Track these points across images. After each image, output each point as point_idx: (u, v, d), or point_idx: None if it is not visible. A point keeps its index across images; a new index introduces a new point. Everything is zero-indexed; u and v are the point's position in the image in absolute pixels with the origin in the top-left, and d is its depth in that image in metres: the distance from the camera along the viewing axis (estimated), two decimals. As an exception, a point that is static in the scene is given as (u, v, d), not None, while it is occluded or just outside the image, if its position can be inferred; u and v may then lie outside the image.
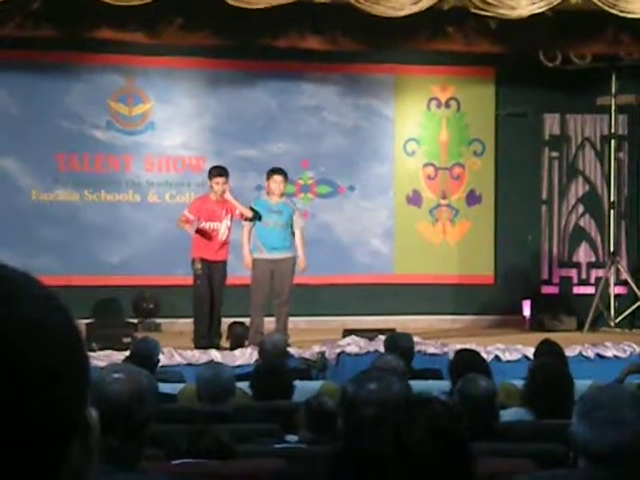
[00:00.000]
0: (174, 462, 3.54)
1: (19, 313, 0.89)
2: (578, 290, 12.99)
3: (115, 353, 8.36)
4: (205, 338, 9.57)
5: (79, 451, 0.91)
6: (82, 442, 0.91)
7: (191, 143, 12.37)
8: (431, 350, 8.91)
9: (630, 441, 2.47)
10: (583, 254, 13.13)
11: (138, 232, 12.14)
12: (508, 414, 4.79)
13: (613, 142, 12.87)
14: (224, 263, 9.75)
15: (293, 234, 9.86)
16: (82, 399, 0.92)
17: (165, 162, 12.31)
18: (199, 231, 9.64)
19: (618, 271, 12.52)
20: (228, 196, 9.73)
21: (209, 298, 9.63)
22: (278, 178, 9.82)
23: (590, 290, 12.71)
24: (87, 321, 9.79)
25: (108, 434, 2.53)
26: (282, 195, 9.89)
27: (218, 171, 9.88)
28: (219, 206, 9.73)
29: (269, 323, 9.74)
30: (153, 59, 12.06)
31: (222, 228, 9.71)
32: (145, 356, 6.33)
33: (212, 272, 9.67)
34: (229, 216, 9.74)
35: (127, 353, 7.27)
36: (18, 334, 0.87)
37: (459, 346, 8.52)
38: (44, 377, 0.87)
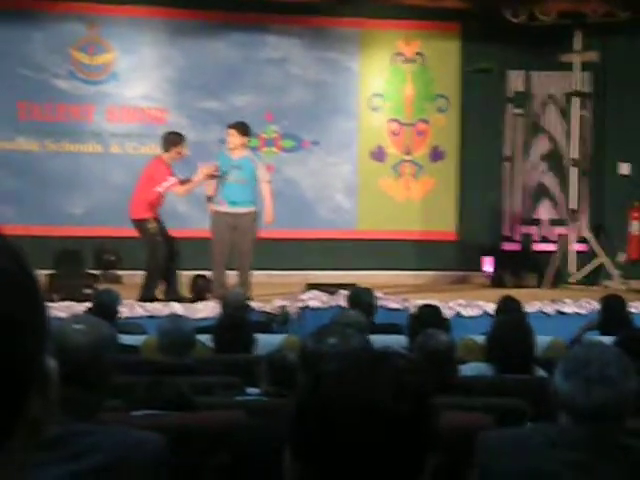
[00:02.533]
0: (134, 413, 3.54)
1: None
2: (539, 247, 13.08)
3: (76, 304, 8.33)
4: (154, 291, 9.54)
5: (38, 401, 0.89)
6: (41, 392, 0.90)
7: (153, 94, 12.26)
8: (393, 305, 8.94)
9: (616, 399, 2.50)
10: (545, 211, 13.20)
11: (100, 183, 12.06)
12: (468, 369, 4.83)
13: (577, 99, 12.89)
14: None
15: (255, 188, 9.80)
16: (40, 348, 0.90)
17: (127, 113, 12.20)
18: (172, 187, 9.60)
19: (579, 229, 12.61)
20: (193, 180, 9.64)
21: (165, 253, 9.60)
22: (230, 131, 9.73)
23: (551, 247, 12.80)
24: (48, 272, 9.73)
25: (68, 385, 2.51)
26: (242, 149, 9.78)
27: (183, 138, 9.77)
28: (170, 171, 9.66)
29: (231, 277, 9.73)
30: (116, 8, 11.92)
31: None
32: (106, 307, 6.31)
33: (163, 226, 9.62)
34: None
35: (88, 304, 7.25)
36: None
37: (421, 302, 8.56)
38: (9, 324, 0.85)
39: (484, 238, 12.84)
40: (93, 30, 12.07)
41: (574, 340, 6.37)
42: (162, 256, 9.56)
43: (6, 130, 11.83)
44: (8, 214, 11.11)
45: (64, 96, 11.99)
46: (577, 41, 12.46)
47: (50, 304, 7.66)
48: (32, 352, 0.88)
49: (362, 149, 12.84)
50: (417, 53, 12.93)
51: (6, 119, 11.78)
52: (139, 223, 9.62)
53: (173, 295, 9.52)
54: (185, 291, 9.74)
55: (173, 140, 9.78)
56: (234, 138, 9.71)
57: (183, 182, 9.71)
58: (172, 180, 9.64)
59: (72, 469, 2.47)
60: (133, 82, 12.20)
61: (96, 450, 2.53)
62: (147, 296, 9.44)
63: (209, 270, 9.75)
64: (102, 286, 8.95)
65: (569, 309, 9.32)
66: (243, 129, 9.77)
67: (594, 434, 2.53)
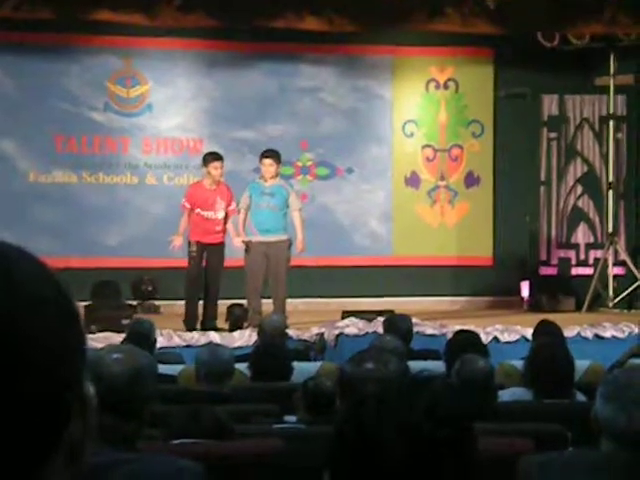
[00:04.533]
0: (173, 442, 3.54)
1: (16, 289, 0.88)
2: (576, 271, 12.99)
3: (114, 335, 8.36)
4: (195, 320, 9.60)
5: (77, 427, 0.91)
6: (80, 417, 0.91)
7: (188, 125, 12.34)
8: (429, 331, 8.92)
9: None
10: (581, 235, 13.13)
11: (136, 214, 12.13)
12: (507, 394, 4.80)
13: (611, 123, 12.84)
14: (221, 246, 9.76)
15: (287, 216, 9.85)
16: (79, 376, 0.91)
17: (163, 144, 12.29)
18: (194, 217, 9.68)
19: (616, 252, 12.52)
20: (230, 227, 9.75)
21: (201, 281, 9.65)
22: (267, 161, 9.81)
23: (588, 271, 12.71)
24: (86, 303, 9.78)
25: (107, 414, 2.53)
26: (275, 177, 9.86)
27: (215, 156, 9.87)
28: (213, 194, 9.72)
29: (267, 305, 9.75)
30: (151, 40, 12.03)
31: (218, 216, 9.72)
32: (142, 337, 6.33)
33: (209, 254, 9.68)
34: (223, 204, 9.73)
35: (125, 335, 7.28)
36: (15, 310, 0.86)
37: (458, 327, 8.52)
38: (41, 354, 0.87)
39: (521, 263, 12.77)
40: (128, 63, 12.19)
41: (615, 365, 6.31)
42: (191, 281, 9.62)
43: (44, 163, 11.95)
44: (46, 246, 11.19)
45: (100, 128, 12.10)
46: (611, 64, 12.42)
47: (88, 335, 7.70)
48: (73, 377, 0.90)
49: (396, 175, 12.84)
50: (450, 79, 12.94)
51: (44, 152, 11.91)
52: (187, 245, 9.73)
53: (208, 325, 9.56)
54: (221, 320, 9.76)
55: (204, 159, 9.91)
56: (272, 167, 9.78)
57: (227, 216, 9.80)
58: (184, 202, 9.74)
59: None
60: (168, 113, 12.29)
61: (135, 479, 2.54)
62: (186, 325, 9.50)
63: (245, 299, 9.79)
64: (139, 316, 8.99)
65: (608, 333, 9.25)
66: (278, 157, 9.87)
67: (634, 459, 2.50)
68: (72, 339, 0.91)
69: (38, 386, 0.86)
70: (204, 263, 9.71)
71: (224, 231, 9.77)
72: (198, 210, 9.68)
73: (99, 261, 11.73)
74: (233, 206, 9.77)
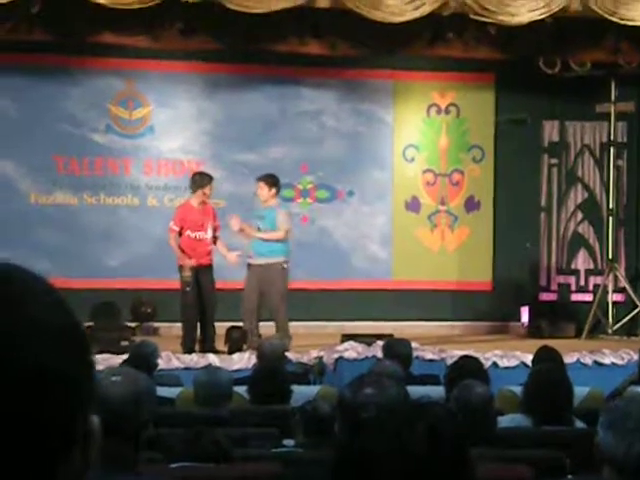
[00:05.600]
0: (172, 465, 3.54)
1: (29, 314, 0.87)
2: (576, 297, 12.99)
3: (113, 357, 8.35)
4: (194, 343, 9.60)
5: (80, 456, 0.90)
6: (83, 448, 0.90)
7: (190, 147, 12.37)
8: (429, 356, 8.91)
9: None
10: (581, 261, 13.13)
11: (137, 235, 12.14)
12: (506, 420, 4.79)
13: (612, 149, 12.87)
14: (211, 267, 9.81)
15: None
16: (87, 405, 0.90)
17: (164, 166, 12.31)
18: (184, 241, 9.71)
19: (616, 278, 12.52)
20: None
21: (198, 303, 9.67)
22: (258, 184, 9.94)
23: (588, 297, 12.71)
24: (85, 324, 9.77)
25: (106, 437, 2.52)
26: (268, 200, 9.91)
27: (210, 177, 9.95)
28: (202, 215, 9.78)
29: (268, 328, 9.75)
30: (153, 63, 12.06)
31: (208, 236, 9.77)
32: (143, 359, 6.32)
33: (200, 277, 9.70)
34: (210, 222, 9.79)
35: (125, 357, 7.27)
36: (26, 335, 0.86)
37: (457, 352, 8.51)
38: (50, 380, 0.86)
39: (521, 288, 12.77)
40: (130, 85, 12.23)
41: (615, 393, 6.30)
42: (189, 307, 9.62)
43: (45, 184, 11.96)
44: (46, 267, 11.18)
45: (101, 150, 12.13)
46: (612, 91, 12.45)
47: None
48: (78, 408, 0.89)
49: (397, 199, 12.85)
50: (451, 104, 12.97)
51: (45, 173, 11.92)
52: (178, 270, 9.74)
53: (207, 347, 9.55)
54: (220, 342, 9.75)
55: (199, 182, 9.89)
56: (262, 190, 9.87)
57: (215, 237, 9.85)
58: (171, 224, 9.76)
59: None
60: (169, 135, 12.32)
61: (134, 502, 2.53)
62: (184, 348, 9.50)
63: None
64: (139, 338, 8.98)
65: (607, 360, 9.24)
66: (271, 181, 9.91)
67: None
68: (80, 367, 0.90)
69: (42, 412, 0.85)
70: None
71: (212, 251, 9.84)
72: (188, 232, 9.71)
73: (99, 282, 11.72)
74: (217, 222, 9.84)
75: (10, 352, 0.85)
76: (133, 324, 11.13)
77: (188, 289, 9.63)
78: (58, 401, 0.87)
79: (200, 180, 9.91)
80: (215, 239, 9.88)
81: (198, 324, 9.75)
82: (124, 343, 9.39)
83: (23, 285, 0.90)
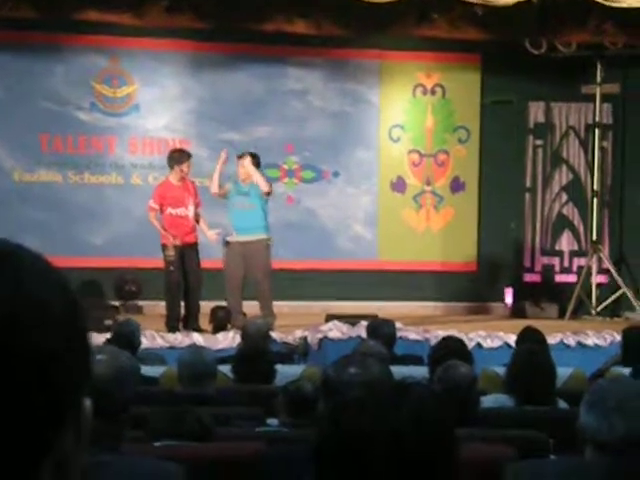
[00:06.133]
0: (155, 444, 3.54)
1: (28, 293, 0.87)
2: (560, 278, 13.03)
3: (96, 335, 8.34)
4: (178, 322, 9.59)
5: (70, 438, 0.89)
6: (74, 430, 0.90)
7: (175, 126, 12.33)
8: (413, 336, 8.93)
9: (637, 431, 2.50)
10: (566, 242, 13.17)
11: (121, 214, 12.11)
12: (489, 400, 4.80)
13: (597, 131, 12.89)
14: (196, 245, 9.78)
15: (265, 214, 9.85)
16: (79, 386, 0.90)
17: (149, 144, 12.27)
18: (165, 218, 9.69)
19: (600, 260, 12.56)
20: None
21: (182, 283, 9.65)
22: (238, 161, 9.91)
23: (572, 278, 12.75)
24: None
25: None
26: (249, 178, 9.87)
27: (189, 154, 9.92)
28: (182, 191, 9.74)
29: (252, 307, 9.75)
30: (138, 40, 12.00)
31: (190, 213, 9.74)
32: (126, 338, 6.32)
33: (185, 255, 9.68)
34: (191, 199, 9.76)
35: (108, 335, 7.26)
36: (24, 314, 0.85)
37: (441, 333, 8.54)
38: (47, 360, 0.85)
39: (505, 269, 12.80)
40: (115, 63, 12.17)
41: (597, 373, 6.33)
42: (173, 287, 9.59)
43: (29, 162, 11.91)
44: (31, 246, 11.08)
45: (86, 128, 12.08)
46: (598, 73, 12.46)
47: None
48: (70, 388, 0.88)
49: (382, 180, 12.85)
50: (437, 85, 12.96)
51: (29, 151, 11.87)
52: (161, 249, 9.71)
53: (191, 326, 9.55)
54: (204, 322, 9.75)
55: (177, 158, 9.86)
56: (248, 168, 9.82)
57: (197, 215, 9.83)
58: (150, 202, 9.75)
59: (93, 499, 2.47)
60: (154, 114, 12.27)
61: (117, 480, 2.53)
62: (168, 327, 9.49)
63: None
64: (123, 317, 8.97)
65: (590, 341, 9.28)
66: (256, 160, 9.89)
67: (616, 466, 2.52)
68: (77, 348, 0.89)
69: (34, 390, 0.85)
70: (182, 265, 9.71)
71: (196, 229, 9.81)
72: (169, 210, 9.68)
73: (83, 261, 11.69)
74: (199, 199, 9.81)
75: (7, 330, 0.84)
76: (117, 303, 11.11)
77: (172, 268, 9.61)
78: (53, 382, 0.86)
79: (178, 157, 9.87)
80: (197, 216, 9.85)
81: (182, 303, 9.74)
82: (108, 322, 9.37)
83: (22, 263, 0.89)
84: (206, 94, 12.36)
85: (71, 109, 12.02)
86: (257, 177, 9.80)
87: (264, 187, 9.79)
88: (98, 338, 7.98)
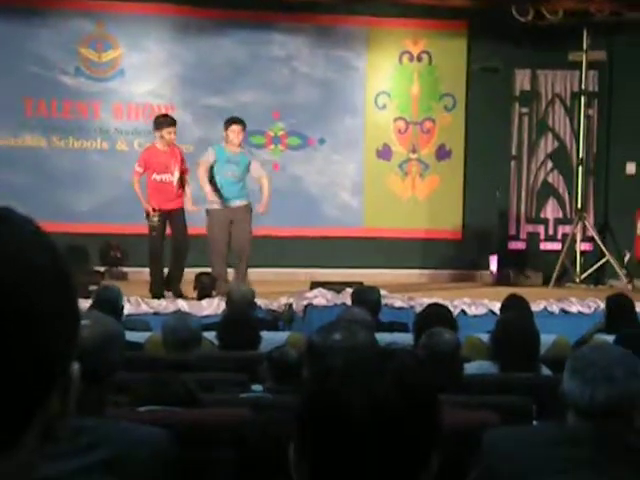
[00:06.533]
0: (140, 409, 3.54)
1: (18, 255, 0.86)
2: (545, 246, 13.07)
3: (81, 301, 8.32)
4: (162, 289, 9.57)
5: (57, 401, 0.89)
6: (61, 393, 0.90)
7: (160, 91, 12.27)
8: (398, 304, 8.94)
9: (620, 398, 2.53)
10: (551, 210, 13.19)
11: (106, 180, 12.06)
12: (473, 367, 4.83)
13: (583, 98, 12.89)
14: (182, 210, 9.73)
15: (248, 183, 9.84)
16: (67, 350, 0.89)
17: (134, 110, 12.21)
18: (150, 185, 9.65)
19: (585, 228, 12.60)
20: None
21: (164, 249, 9.63)
22: (236, 128, 9.67)
23: (557, 246, 12.79)
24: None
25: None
26: (240, 145, 9.81)
27: (170, 120, 9.81)
28: (168, 157, 9.68)
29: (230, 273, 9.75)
30: (123, 5, 11.92)
31: (174, 179, 9.68)
32: (108, 304, 6.30)
33: (172, 221, 9.65)
34: (177, 165, 9.71)
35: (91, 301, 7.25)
36: (15, 275, 0.85)
37: (426, 300, 8.56)
38: (37, 322, 0.85)
39: (490, 237, 12.83)
40: (100, 27, 12.08)
41: (581, 341, 6.36)
42: (156, 252, 9.56)
43: (12, 126, 11.84)
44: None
45: (70, 92, 12.01)
46: (584, 40, 12.44)
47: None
48: (58, 351, 0.88)
49: (368, 147, 12.83)
50: (424, 52, 12.92)
51: (12, 115, 11.80)
52: (145, 215, 9.67)
53: (175, 294, 9.54)
54: (189, 288, 9.74)
55: (158, 123, 9.80)
56: (241, 135, 9.73)
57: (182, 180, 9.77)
58: (136, 166, 9.70)
59: (78, 463, 2.48)
60: (139, 79, 12.21)
61: (102, 445, 2.54)
62: (152, 293, 9.48)
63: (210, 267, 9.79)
64: (106, 283, 8.96)
65: (574, 308, 9.32)
66: (245, 125, 9.80)
67: (598, 432, 2.54)
68: (66, 311, 0.89)
69: (24, 354, 0.85)
70: (168, 231, 9.67)
71: (182, 195, 9.75)
72: (154, 175, 9.63)
73: (68, 226, 11.64)
74: (185, 166, 9.76)
75: (7, 295, 0.84)
76: (102, 269, 11.09)
77: (154, 234, 9.58)
78: (42, 344, 0.86)
79: (161, 122, 9.80)
80: (183, 181, 9.78)
81: (166, 269, 9.72)
82: (93, 288, 9.35)
83: (12, 226, 0.88)
84: (192, 59, 12.30)
85: (56, 73, 11.94)
86: (265, 181, 9.77)
87: (263, 172, 9.82)
88: (82, 304, 7.98)
